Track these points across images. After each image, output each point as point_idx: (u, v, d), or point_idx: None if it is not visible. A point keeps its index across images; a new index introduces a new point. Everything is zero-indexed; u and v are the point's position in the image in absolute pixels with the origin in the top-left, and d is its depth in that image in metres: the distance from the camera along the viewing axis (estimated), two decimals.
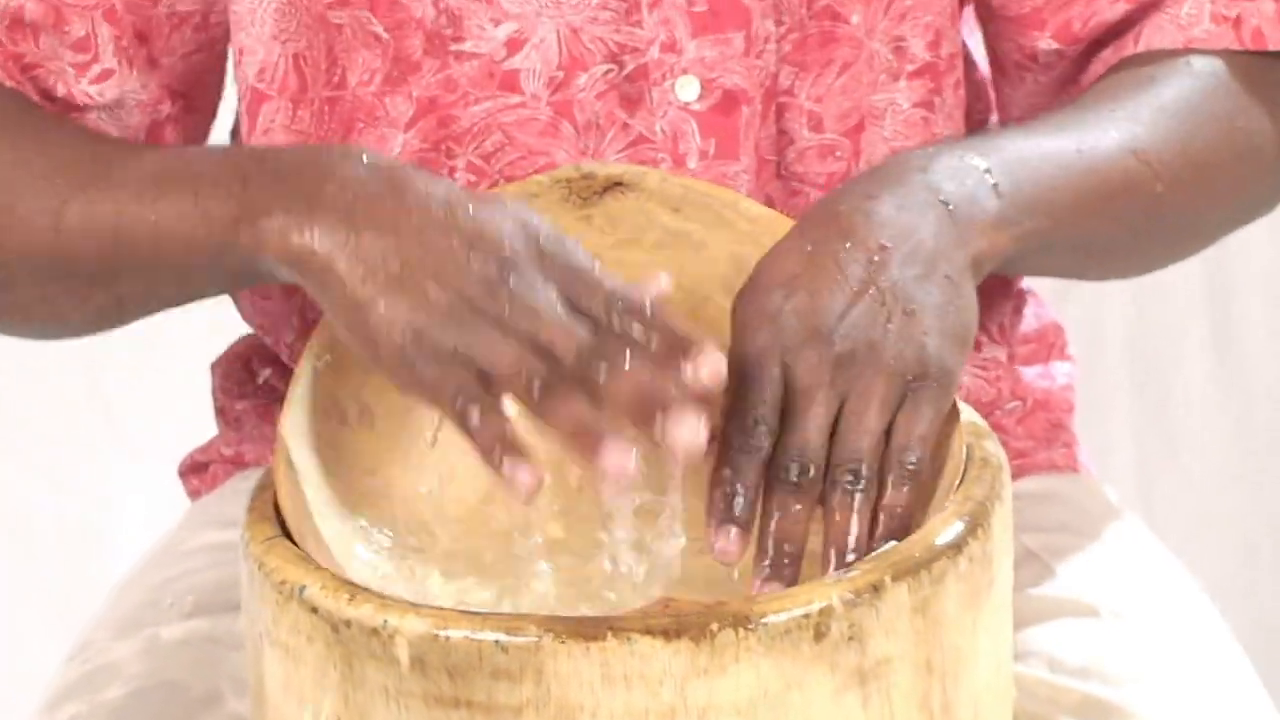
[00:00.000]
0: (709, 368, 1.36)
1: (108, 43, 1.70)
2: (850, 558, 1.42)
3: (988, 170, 1.55)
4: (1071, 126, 1.64)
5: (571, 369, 1.37)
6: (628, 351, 1.37)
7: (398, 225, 1.44)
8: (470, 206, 1.44)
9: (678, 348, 1.37)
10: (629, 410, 1.36)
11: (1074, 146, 1.61)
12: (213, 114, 1.78)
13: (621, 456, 1.35)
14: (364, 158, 1.49)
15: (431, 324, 1.40)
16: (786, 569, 1.42)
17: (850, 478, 1.42)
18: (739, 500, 1.42)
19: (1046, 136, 1.62)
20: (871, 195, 1.51)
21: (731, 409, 1.44)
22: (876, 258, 1.47)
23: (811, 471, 1.42)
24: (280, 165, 1.51)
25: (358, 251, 1.44)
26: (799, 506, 1.42)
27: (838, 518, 1.42)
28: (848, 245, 1.47)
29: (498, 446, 1.38)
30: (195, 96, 1.77)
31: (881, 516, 1.42)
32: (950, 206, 1.51)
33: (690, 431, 1.35)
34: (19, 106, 1.68)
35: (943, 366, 1.45)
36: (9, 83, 1.69)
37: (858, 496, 1.42)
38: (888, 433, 1.43)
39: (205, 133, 1.79)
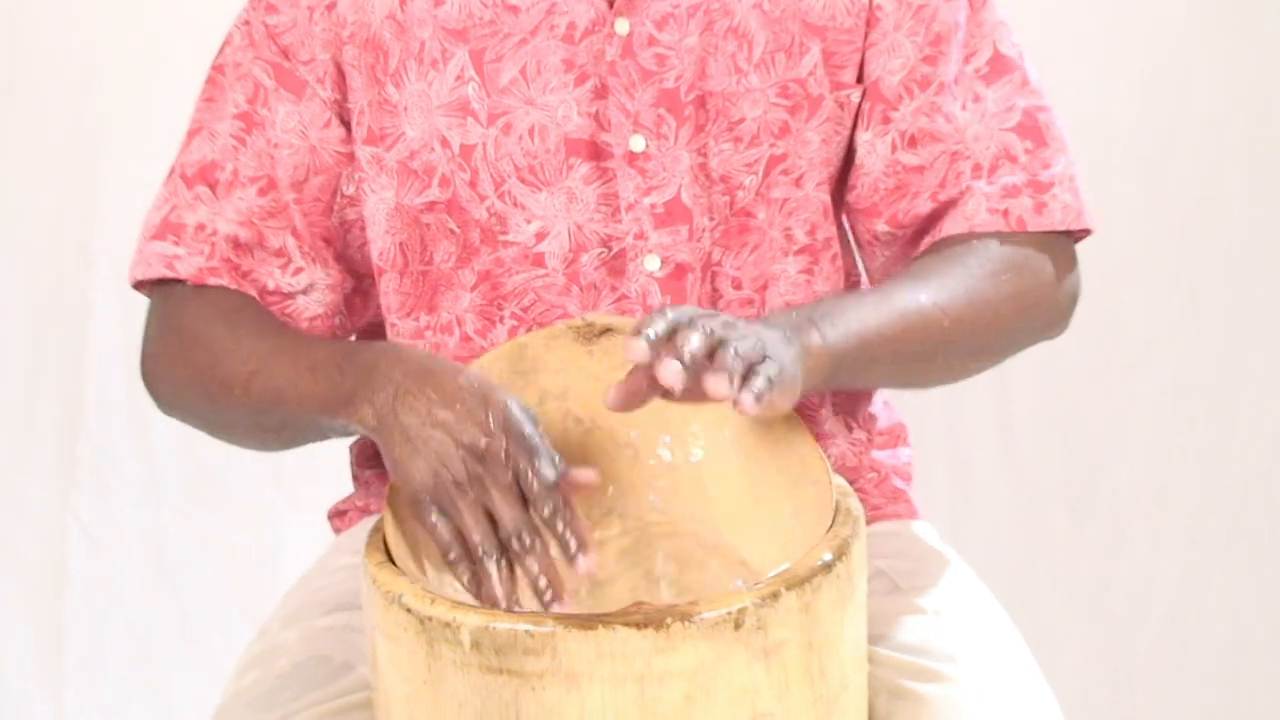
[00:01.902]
0: (586, 566, 1.43)
1: (295, 250, 1.70)
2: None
3: (811, 318, 1.52)
4: (887, 288, 1.62)
5: (505, 539, 1.44)
6: (537, 540, 1.44)
7: (422, 415, 1.48)
8: (470, 403, 1.47)
9: (574, 542, 1.44)
10: (530, 583, 1.44)
11: (883, 299, 1.60)
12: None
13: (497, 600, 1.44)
14: (410, 361, 1.52)
15: (435, 492, 1.46)
16: None
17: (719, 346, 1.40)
18: (654, 327, 1.39)
19: (866, 295, 1.61)
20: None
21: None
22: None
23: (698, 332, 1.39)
24: (361, 363, 1.54)
25: (397, 429, 1.49)
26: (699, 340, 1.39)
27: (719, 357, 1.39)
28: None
29: (468, 583, 1.45)
30: (368, 276, 1.76)
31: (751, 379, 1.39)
32: (782, 329, 1.49)
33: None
34: (240, 303, 1.68)
35: (780, 361, 1.43)
36: (233, 286, 1.68)
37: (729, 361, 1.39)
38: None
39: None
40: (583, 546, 1.44)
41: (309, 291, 1.71)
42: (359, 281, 1.75)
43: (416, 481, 1.46)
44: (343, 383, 1.53)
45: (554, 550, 1.44)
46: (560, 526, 1.44)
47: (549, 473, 1.45)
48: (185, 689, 2.70)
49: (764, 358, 1.41)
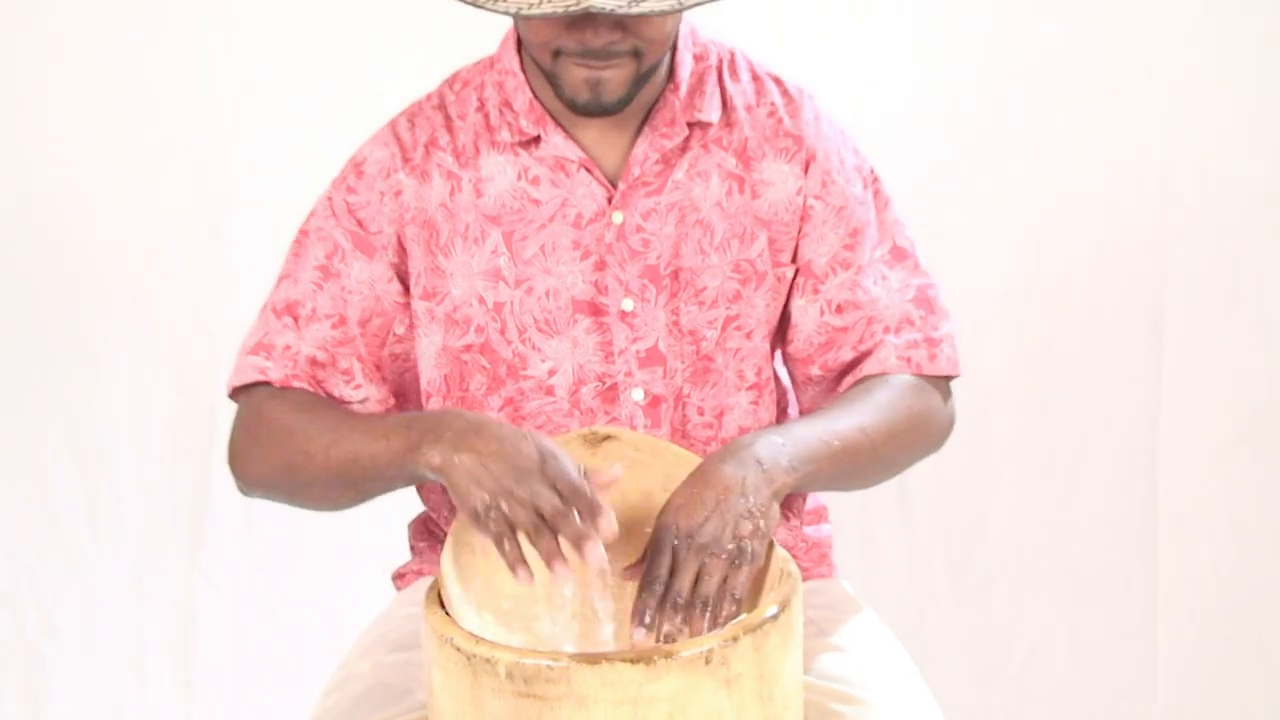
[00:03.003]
0: (607, 527, 1.41)
1: (358, 371, 1.68)
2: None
3: (783, 443, 1.54)
4: (830, 418, 1.62)
5: (549, 522, 1.42)
6: (575, 514, 1.42)
7: (477, 451, 1.46)
8: (514, 440, 1.46)
9: (597, 512, 1.42)
10: (572, 544, 1.42)
11: (830, 428, 1.59)
12: (417, 404, 1.75)
13: (565, 570, 1.41)
14: (465, 415, 1.51)
15: (492, 500, 1.43)
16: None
17: (703, 605, 1.44)
18: (648, 616, 1.44)
19: (816, 424, 1.60)
20: (723, 461, 1.51)
21: (648, 566, 1.46)
22: (721, 495, 1.48)
23: (681, 601, 1.43)
24: (425, 421, 1.53)
25: (460, 465, 1.46)
26: (679, 618, 1.43)
27: (696, 622, 1.43)
28: (709, 489, 1.48)
29: (514, 560, 1.42)
30: (404, 396, 1.74)
31: (720, 621, 1.44)
32: (763, 465, 1.51)
33: (596, 557, 1.41)
34: (313, 399, 1.66)
35: (754, 554, 1.46)
36: (310, 389, 1.66)
37: (706, 614, 1.43)
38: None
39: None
40: (603, 513, 1.42)
41: (364, 403, 1.68)
42: (397, 399, 1.73)
43: (477, 500, 1.44)
44: (410, 437, 1.51)
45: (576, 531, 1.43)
46: (588, 505, 1.43)
47: (580, 478, 1.45)
48: (283, 708, 2.66)
49: (741, 563, 1.45)
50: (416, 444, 1.50)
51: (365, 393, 1.68)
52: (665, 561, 1.45)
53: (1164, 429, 2.69)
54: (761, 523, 1.47)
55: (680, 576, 1.44)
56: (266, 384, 1.66)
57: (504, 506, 1.42)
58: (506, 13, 1.50)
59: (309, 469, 1.60)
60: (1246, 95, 2.62)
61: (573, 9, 1.47)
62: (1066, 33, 2.61)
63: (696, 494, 1.48)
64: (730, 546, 1.45)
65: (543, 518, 1.42)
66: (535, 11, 1.48)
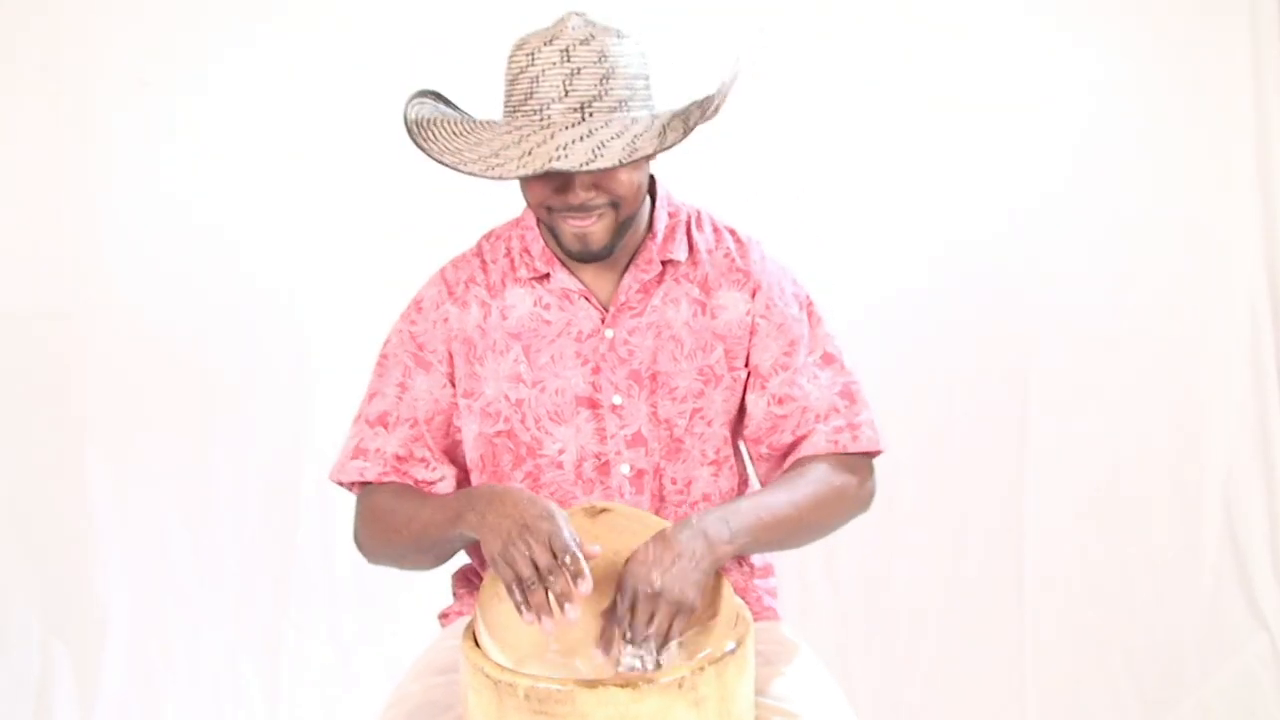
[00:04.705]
0: (584, 588, 1.41)
1: (432, 457, 1.68)
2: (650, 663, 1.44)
3: (725, 519, 1.53)
4: (768, 495, 1.60)
5: (541, 576, 1.42)
6: (564, 574, 1.42)
7: (500, 514, 1.47)
8: (528, 501, 1.47)
9: (579, 576, 1.41)
10: (557, 601, 1.41)
11: (766, 503, 1.58)
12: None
13: (550, 624, 1.41)
14: (495, 487, 1.52)
15: (505, 552, 1.44)
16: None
17: (655, 638, 1.44)
18: (615, 645, 1.44)
19: (754, 501, 1.59)
20: (679, 531, 1.50)
21: (618, 604, 1.46)
22: (675, 558, 1.48)
23: (639, 636, 1.44)
24: (468, 493, 1.54)
25: (485, 521, 1.48)
26: (640, 649, 1.43)
27: (648, 656, 1.44)
28: (667, 550, 1.48)
29: (519, 604, 1.42)
30: (466, 474, 1.73)
31: (660, 655, 1.44)
32: (708, 535, 1.50)
33: (573, 614, 1.40)
34: (402, 489, 1.66)
35: (693, 606, 1.46)
36: (399, 479, 1.67)
37: (655, 648, 1.43)
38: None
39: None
40: (584, 577, 1.41)
41: (443, 480, 1.68)
42: (463, 474, 1.71)
43: (496, 548, 1.44)
44: (457, 506, 1.53)
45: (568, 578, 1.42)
46: (574, 566, 1.42)
47: (570, 539, 1.43)
48: None
49: (676, 614, 1.45)
50: (461, 511, 1.51)
51: (441, 473, 1.68)
52: (629, 602, 1.45)
53: (1028, 503, 2.68)
54: (701, 583, 1.47)
55: (638, 616, 1.44)
56: (367, 482, 1.67)
57: (510, 554, 1.43)
58: (487, 176, 1.48)
59: (400, 541, 1.61)
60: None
61: (538, 170, 1.46)
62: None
63: (657, 553, 1.48)
64: (676, 598, 1.44)
65: (538, 571, 1.42)
66: (512, 173, 1.47)
